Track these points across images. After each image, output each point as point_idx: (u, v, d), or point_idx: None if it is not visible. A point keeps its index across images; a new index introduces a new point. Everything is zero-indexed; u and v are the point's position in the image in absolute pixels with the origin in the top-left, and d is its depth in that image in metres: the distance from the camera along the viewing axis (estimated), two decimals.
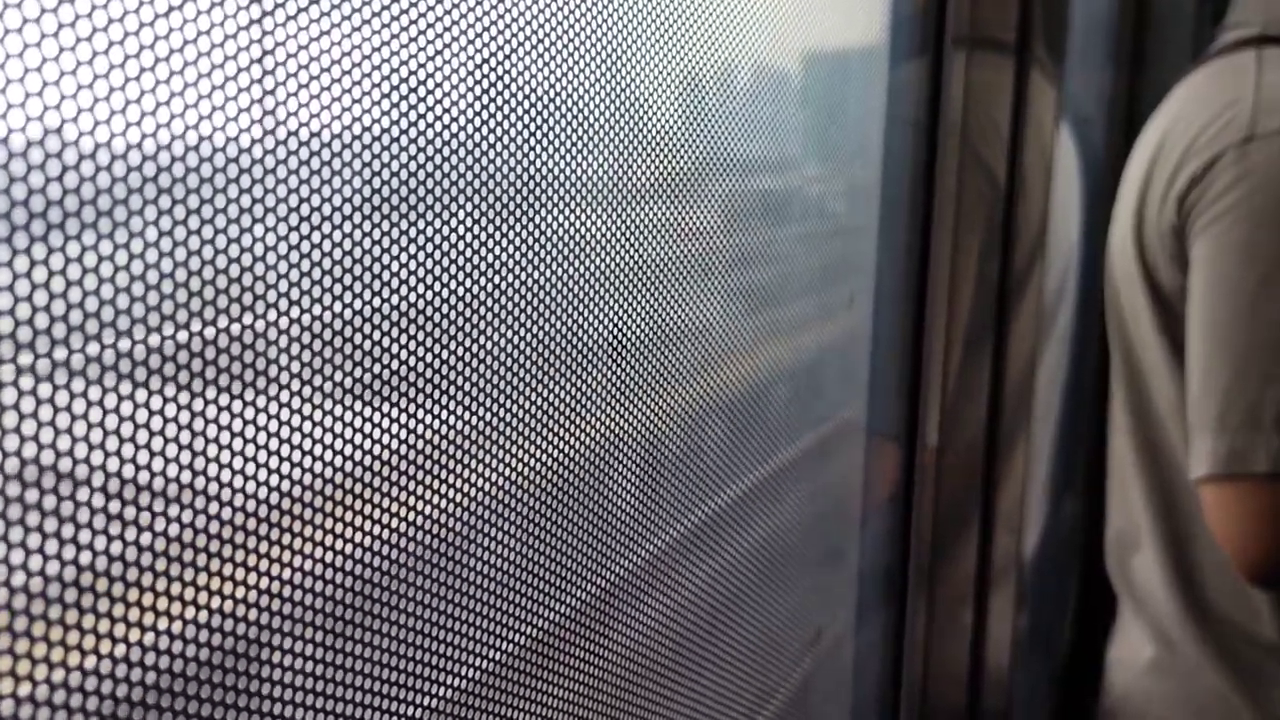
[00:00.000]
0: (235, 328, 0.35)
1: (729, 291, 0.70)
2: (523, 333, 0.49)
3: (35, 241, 0.28)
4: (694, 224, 0.63)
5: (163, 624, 0.33)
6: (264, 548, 0.36)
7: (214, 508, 0.34)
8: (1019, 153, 1.05)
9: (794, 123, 0.79)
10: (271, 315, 0.36)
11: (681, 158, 0.60)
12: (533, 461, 0.51)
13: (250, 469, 0.35)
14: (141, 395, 0.32)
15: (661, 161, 0.59)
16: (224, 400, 0.34)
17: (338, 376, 0.39)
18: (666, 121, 0.59)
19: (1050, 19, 1.07)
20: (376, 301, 0.40)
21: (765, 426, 0.79)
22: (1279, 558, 0.96)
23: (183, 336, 0.33)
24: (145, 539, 0.32)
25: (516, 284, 0.48)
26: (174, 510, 0.33)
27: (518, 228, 0.48)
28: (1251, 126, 0.97)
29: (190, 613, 0.34)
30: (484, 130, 0.45)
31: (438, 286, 0.43)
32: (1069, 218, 1.25)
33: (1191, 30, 1.51)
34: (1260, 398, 0.95)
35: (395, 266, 0.41)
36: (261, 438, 0.36)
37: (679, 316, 0.62)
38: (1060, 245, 1.20)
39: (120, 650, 0.32)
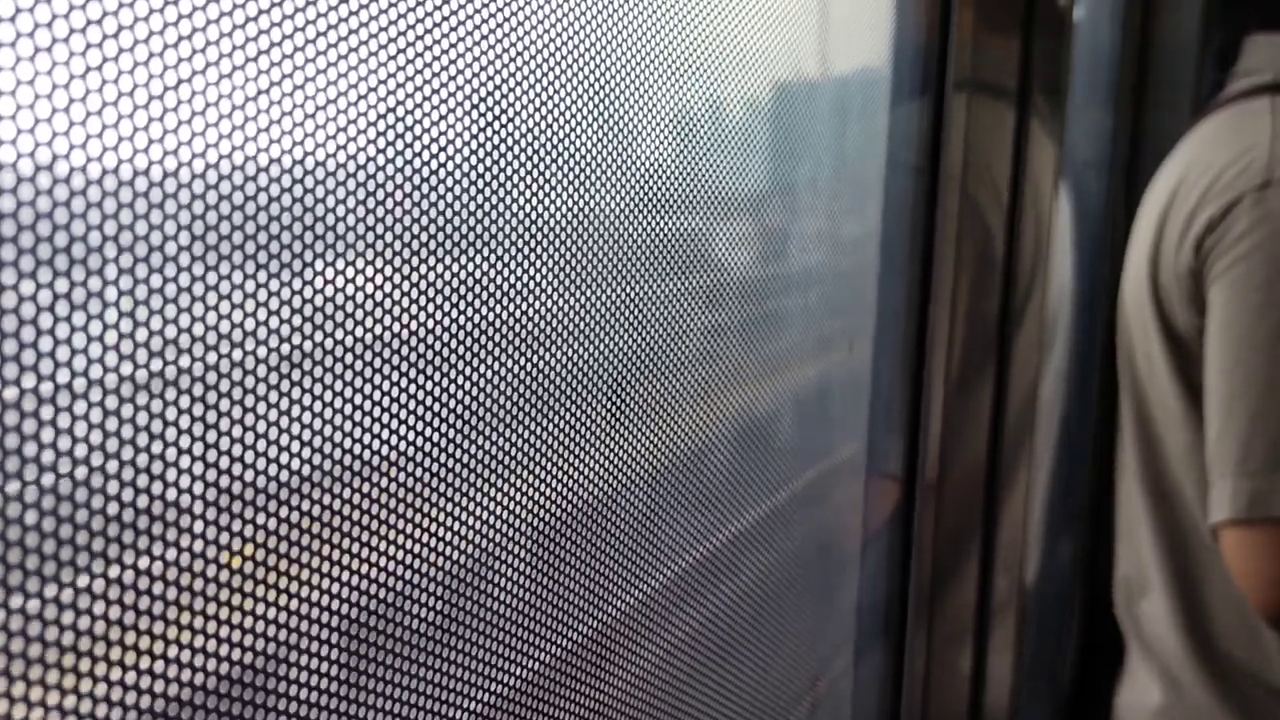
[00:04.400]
0: (237, 353, 0.36)
1: (727, 329, 0.71)
2: (515, 366, 0.50)
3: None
4: (690, 260, 0.64)
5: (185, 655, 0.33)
6: (283, 565, 0.37)
7: (228, 525, 0.35)
8: (1019, 195, 1.06)
9: (795, 162, 0.80)
10: (273, 341, 0.37)
11: (678, 195, 0.61)
12: (532, 495, 0.51)
13: (250, 495, 0.36)
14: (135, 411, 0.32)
15: (657, 196, 0.60)
16: (223, 425, 0.35)
17: (337, 404, 0.39)
18: (664, 159, 0.60)
19: (1052, 63, 1.08)
20: (378, 330, 0.41)
21: (766, 462, 0.80)
22: None
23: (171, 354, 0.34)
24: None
25: (515, 315, 0.49)
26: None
27: (516, 258, 0.49)
28: (1269, 171, 0.98)
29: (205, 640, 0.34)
30: (477, 152, 0.46)
31: (439, 316, 0.44)
32: (1065, 260, 1.26)
33: (1193, 75, 1.52)
34: None
35: (396, 295, 0.42)
36: (254, 453, 0.36)
37: (677, 353, 0.63)
38: (1058, 286, 1.21)
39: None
